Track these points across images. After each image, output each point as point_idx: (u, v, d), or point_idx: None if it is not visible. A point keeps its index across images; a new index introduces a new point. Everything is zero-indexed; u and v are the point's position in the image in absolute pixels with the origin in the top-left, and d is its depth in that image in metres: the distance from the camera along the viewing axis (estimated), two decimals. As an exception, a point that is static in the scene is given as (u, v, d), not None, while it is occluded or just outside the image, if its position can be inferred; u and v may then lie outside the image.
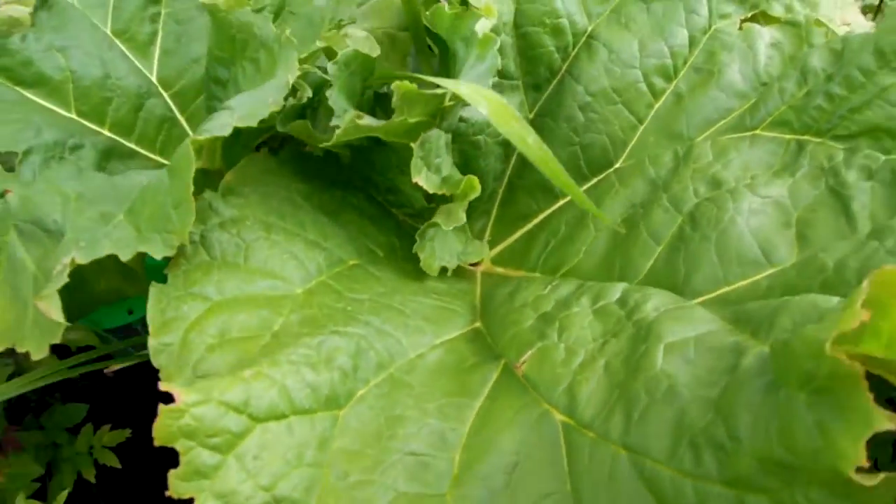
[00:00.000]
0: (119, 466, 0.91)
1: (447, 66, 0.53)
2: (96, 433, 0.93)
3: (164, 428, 0.35)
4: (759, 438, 0.32)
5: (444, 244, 0.57)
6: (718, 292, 0.50)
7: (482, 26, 0.45)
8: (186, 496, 0.35)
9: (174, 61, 0.71)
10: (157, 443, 0.35)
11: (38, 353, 0.44)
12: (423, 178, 0.50)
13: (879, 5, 0.88)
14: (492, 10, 0.47)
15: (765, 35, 0.62)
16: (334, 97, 0.50)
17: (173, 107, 0.71)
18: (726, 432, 0.34)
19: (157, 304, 0.46)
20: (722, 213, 0.52)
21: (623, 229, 0.57)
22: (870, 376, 0.28)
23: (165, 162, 0.70)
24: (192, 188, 0.41)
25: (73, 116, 0.65)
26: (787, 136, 0.56)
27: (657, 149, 0.62)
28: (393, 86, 0.44)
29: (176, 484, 0.35)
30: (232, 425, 0.37)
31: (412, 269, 0.59)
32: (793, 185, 0.52)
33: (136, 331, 0.96)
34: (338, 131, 0.46)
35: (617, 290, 0.50)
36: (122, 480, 0.93)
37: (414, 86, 0.44)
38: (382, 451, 0.43)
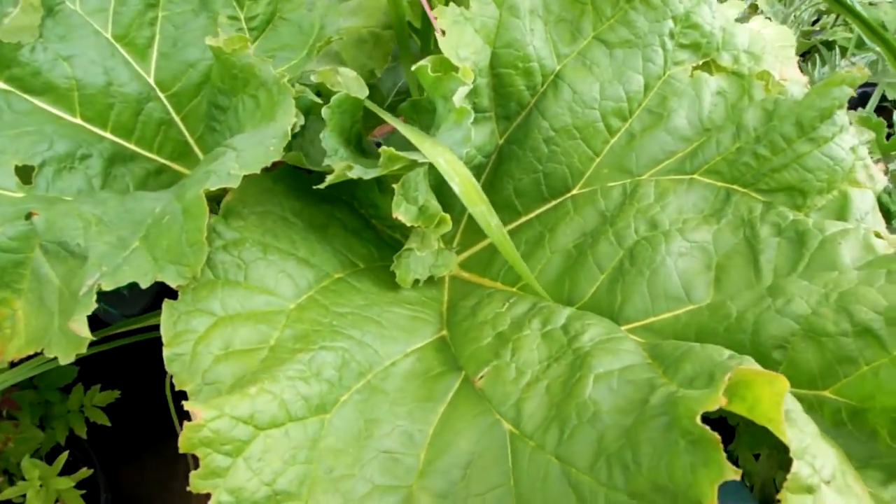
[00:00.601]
0: (109, 424, 0.99)
1: (429, 113, 0.59)
2: (87, 393, 1.01)
3: (187, 440, 0.44)
4: (654, 466, 0.42)
5: (417, 261, 0.65)
6: (645, 321, 0.60)
7: (460, 95, 0.51)
8: (205, 492, 0.44)
9: (171, 64, 0.76)
10: (181, 450, 0.44)
11: (66, 359, 0.52)
12: (403, 213, 0.58)
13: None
14: (469, 73, 0.53)
15: (711, 84, 0.70)
16: (327, 138, 0.57)
17: (170, 108, 0.76)
18: (632, 457, 0.44)
19: (169, 317, 0.54)
20: (655, 253, 0.61)
21: (574, 255, 0.66)
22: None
23: (161, 160, 0.76)
24: (205, 232, 0.48)
25: (78, 121, 0.69)
26: (719, 184, 0.65)
27: (609, 180, 0.70)
28: (381, 150, 0.51)
29: (196, 482, 0.44)
30: (241, 434, 0.46)
31: (388, 278, 0.67)
32: (717, 232, 0.61)
33: (123, 296, 1.02)
34: (329, 177, 0.53)
35: (563, 315, 0.59)
36: (111, 437, 1.02)
37: (395, 152, 0.51)
38: (361, 450, 0.52)
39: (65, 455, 0.89)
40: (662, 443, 0.42)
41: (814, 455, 0.36)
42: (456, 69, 0.55)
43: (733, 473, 0.35)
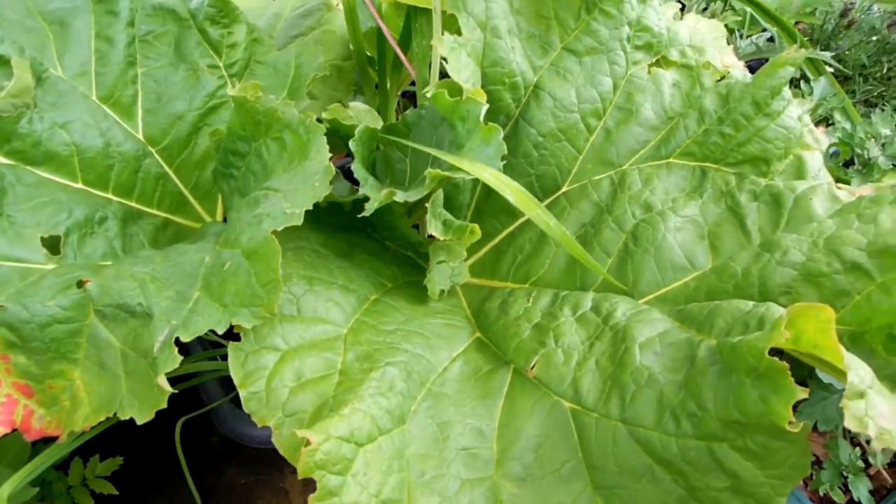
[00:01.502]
0: (116, 493, 0.96)
1: (443, 135, 0.64)
2: (87, 465, 0.97)
3: (305, 465, 0.46)
4: (720, 407, 0.48)
5: (441, 273, 0.69)
6: (658, 293, 0.68)
7: (482, 114, 0.57)
8: (326, 511, 0.47)
9: (158, 119, 0.77)
10: (300, 476, 0.46)
11: (143, 418, 0.53)
12: (435, 229, 0.62)
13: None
14: (482, 94, 0.59)
15: (667, 77, 0.79)
16: (357, 168, 0.60)
17: (162, 162, 0.77)
18: (696, 404, 0.50)
19: (236, 359, 0.55)
20: (655, 231, 0.69)
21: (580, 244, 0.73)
22: (791, 360, 0.45)
23: (163, 214, 0.76)
24: (279, 271, 0.51)
25: (81, 186, 0.69)
26: (693, 164, 0.74)
27: (594, 174, 0.77)
28: (427, 173, 0.55)
29: (316, 504, 0.47)
30: (346, 453, 0.49)
31: (413, 293, 0.71)
32: (702, 206, 0.70)
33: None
34: (374, 204, 0.57)
35: (587, 299, 0.65)
36: (123, 504, 0.98)
37: (441, 172, 0.55)
38: (442, 451, 0.56)
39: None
40: (724, 385, 0.49)
41: (857, 367, 0.43)
42: (464, 91, 0.60)
43: (802, 393, 0.42)
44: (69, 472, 0.97)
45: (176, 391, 0.52)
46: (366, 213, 0.57)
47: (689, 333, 0.57)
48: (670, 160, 0.75)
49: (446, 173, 0.55)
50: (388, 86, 1.05)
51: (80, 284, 0.54)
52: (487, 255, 0.81)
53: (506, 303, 0.70)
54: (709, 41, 0.83)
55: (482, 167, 0.53)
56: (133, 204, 0.73)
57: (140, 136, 0.76)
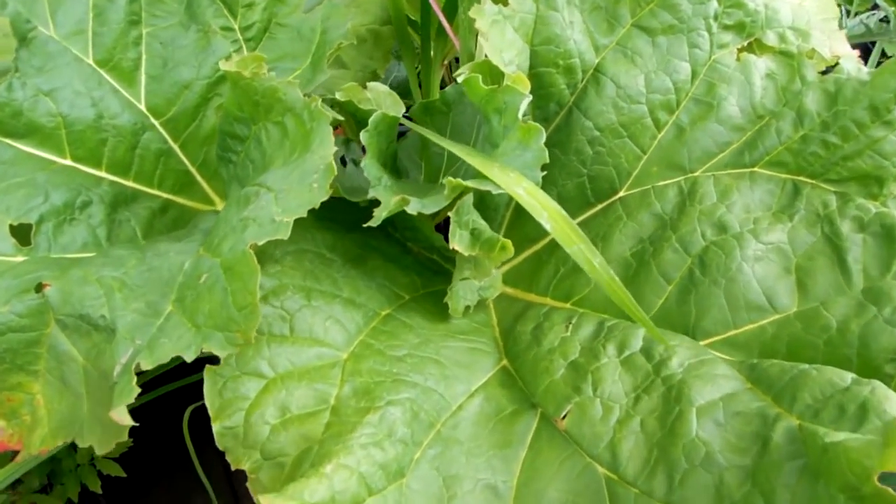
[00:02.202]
0: (124, 475, 0.92)
1: (442, 115, 0.53)
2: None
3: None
4: (799, 518, 0.37)
5: (466, 288, 0.59)
6: (727, 335, 0.56)
7: (522, 109, 0.45)
8: None
9: (163, 87, 0.68)
10: (261, 555, 0.38)
11: (103, 448, 0.45)
12: (458, 242, 0.52)
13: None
14: (525, 82, 0.47)
15: (760, 66, 0.65)
16: (369, 166, 0.50)
17: (166, 136, 0.68)
18: (765, 505, 0.39)
19: (213, 385, 0.47)
20: (730, 260, 0.56)
21: (634, 264, 0.62)
22: None
23: (164, 195, 0.68)
24: (257, 294, 0.42)
25: (70, 163, 0.62)
26: (784, 176, 0.60)
27: (659, 179, 0.65)
28: (446, 181, 0.45)
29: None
30: (324, 523, 0.40)
31: (434, 307, 0.61)
32: (791, 231, 0.57)
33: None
34: (383, 212, 0.47)
35: (638, 336, 0.54)
36: (128, 489, 0.95)
37: (462, 182, 0.45)
38: (445, 514, 0.47)
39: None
40: (806, 492, 0.38)
41: None
42: (505, 77, 0.49)
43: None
44: (77, 450, 0.93)
45: (141, 399, 0.44)
46: (372, 223, 0.47)
47: (762, 402, 0.46)
48: (755, 169, 0.62)
49: (469, 184, 0.45)
50: (432, 53, 0.94)
51: (39, 288, 0.46)
52: (526, 263, 0.70)
53: (540, 328, 0.59)
54: (816, 23, 0.68)
55: (516, 178, 0.42)
56: (129, 183, 0.65)
57: (142, 106, 0.67)
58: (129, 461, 0.93)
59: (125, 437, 0.44)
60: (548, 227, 0.40)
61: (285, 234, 0.42)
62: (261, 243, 0.43)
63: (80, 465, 0.92)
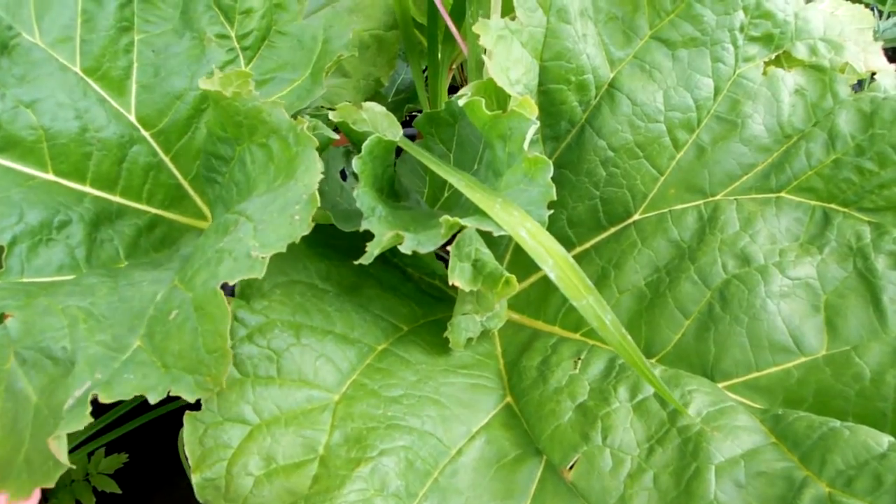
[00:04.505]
0: (119, 492, 0.90)
1: (449, 126, 0.49)
2: (91, 458, 0.91)
3: None
4: None
5: (468, 321, 0.56)
6: (748, 377, 0.52)
7: (527, 139, 0.41)
8: None
9: (154, 98, 0.65)
10: None
11: (20, 495, 0.41)
12: (459, 276, 0.48)
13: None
14: (532, 106, 0.43)
15: (788, 81, 0.60)
16: (362, 195, 0.47)
17: (157, 148, 0.65)
18: (791, 587, 0.36)
19: (193, 433, 0.44)
20: (753, 295, 0.52)
21: (648, 295, 0.58)
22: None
23: (152, 210, 0.65)
24: (227, 338, 0.38)
25: (52, 177, 0.58)
26: (813, 203, 0.56)
27: (677, 202, 0.61)
28: (443, 220, 0.41)
29: None
30: None
31: (434, 339, 0.58)
32: (821, 265, 0.52)
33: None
34: (376, 249, 0.43)
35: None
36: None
37: (459, 221, 0.41)
38: (441, 574, 0.44)
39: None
40: (839, 579, 0.34)
41: None
42: (511, 100, 0.45)
43: None
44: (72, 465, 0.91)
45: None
46: (364, 260, 0.44)
47: (788, 462, 0.42)
48: (782, 195, 0.57)
49: (467, 222, 0.41)
50: (440, 57, 0.90)
51: (1, 319, 0.43)
52: (534, 289, 0.66)
53: (547, 363, 0.56)
54: (850, 34, 0.63)
55: (520, 217, 0.38)
56: (115, 198, 0.62)
57: (132, 117, 0.64)
58: (124, 477, 0.91)
59: (51, 484, 0.40)
60: (552, 276, 0.36)
61: (260, 273, 0.39)
62: (232, 283, 0.39)
63: (74, 481, 0.90)
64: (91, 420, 0.40)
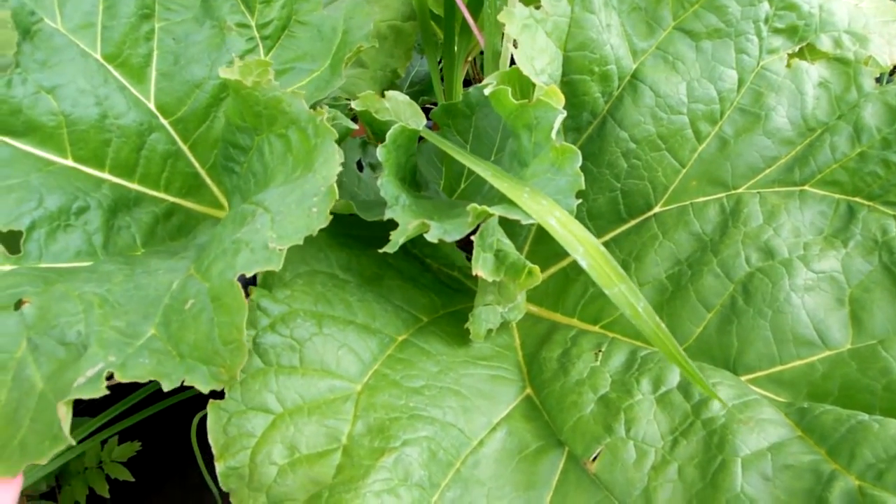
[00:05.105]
0: (132, 480, 0.90)
1: (466, 118, 0.49)
2: (104, 447, 0.91)
3: None
4: None
5: (489, 312, 0.55)
6: (771, 371, 0.51)
7: (555, 128, 0.41)
8: None
9: (174, 85, 0.64)
10: None
11: (6, 474, 0.40)
12: (482, 267, 0.48)
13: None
14: (559, 96, 0.43)
15: (812, 74, 0.60)
16: (386, 184, 0.46)
17: (176, 137, 0.65)
18: (821, 580, 0.35)
19: (217, 422, 0.44)
20: (777, 288, 0.52)
21: (670, 288, 0.57)
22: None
23: (170, 198, 0.65)
24: (244, 330, 0.38)
25: (71, 163, 0.58)
26: (837, 196, 0.55)
27: (699, 194, 0.60)
28: (470, 208, 0.41)
29: None
30: (331, 582, 0.37)
31: (454, 330, 0.58)
32: (846, 258, 0.52)
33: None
34: (400, 238, 0.43)
35: (675, 371, 0.50)
36: (135, 493, 0.93)
37: (487, 209, 0.41)
38: (464, 564, 0.43)
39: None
40: (871, 573, 0.34)
41: None
42: (536, 88, 0.44)
43: None
44: (86, 453, 0.91)
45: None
46: (388, 249, 0.43)
47: (815, 455, 0.41)
48: (806, 188, 0.57)
49: (495, 211, 0.41)
50: (456, 49, 0.89)
51: (19, 305, 0.43)
52: (552, 281, 0.66)
53: (567, 354, 0.55)
54: (874, 26, 0.62)
55: (549, 206, 0.38)
56: (133, 185, 0.62)
57: (151, 105, 0.64)
58: (137, 465, 0.91)
59: (43, 461, 0.39)
60: (583, 263, 0.36)
61: (277, 266, 0.39)
62: (249, 275, 0.39)
63: (87, 469, 0.90)
64: (106, 393, 0.40)
